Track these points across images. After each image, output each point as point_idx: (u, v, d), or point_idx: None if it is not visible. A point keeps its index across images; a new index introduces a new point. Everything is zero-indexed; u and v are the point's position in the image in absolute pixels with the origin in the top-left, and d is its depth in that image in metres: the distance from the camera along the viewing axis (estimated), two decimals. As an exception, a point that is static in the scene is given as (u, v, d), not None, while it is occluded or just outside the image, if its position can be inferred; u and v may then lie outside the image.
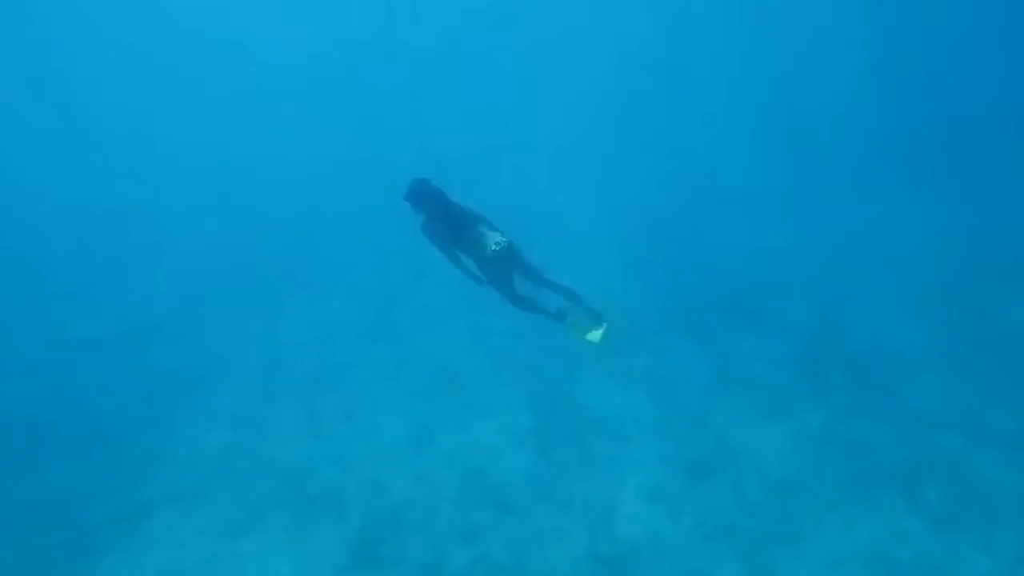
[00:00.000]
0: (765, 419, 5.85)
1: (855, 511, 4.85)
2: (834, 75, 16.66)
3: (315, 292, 8.72)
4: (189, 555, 4.72)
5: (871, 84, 15.75)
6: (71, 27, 17.49)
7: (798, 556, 4.54)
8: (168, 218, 11.45)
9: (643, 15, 19.64)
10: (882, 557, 4.47)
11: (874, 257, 8.85)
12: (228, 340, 7.54)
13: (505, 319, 5.28)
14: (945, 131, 12.91)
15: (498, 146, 14.55)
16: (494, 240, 4.26)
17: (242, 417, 6.16)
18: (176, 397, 6.51)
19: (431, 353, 7.05)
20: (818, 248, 9.35)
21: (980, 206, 9.32)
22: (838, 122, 14.56)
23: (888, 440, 5.52)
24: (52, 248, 10.24)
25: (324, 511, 5.05)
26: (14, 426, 6.11)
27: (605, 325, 4.63)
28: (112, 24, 18.00)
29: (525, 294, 4.66)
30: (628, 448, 5.57)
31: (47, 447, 5.83)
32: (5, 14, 16.09)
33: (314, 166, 13.78)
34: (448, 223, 4.32)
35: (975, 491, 4.88)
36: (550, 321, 4.78)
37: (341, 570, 4.58)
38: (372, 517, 4.96)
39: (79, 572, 4.62)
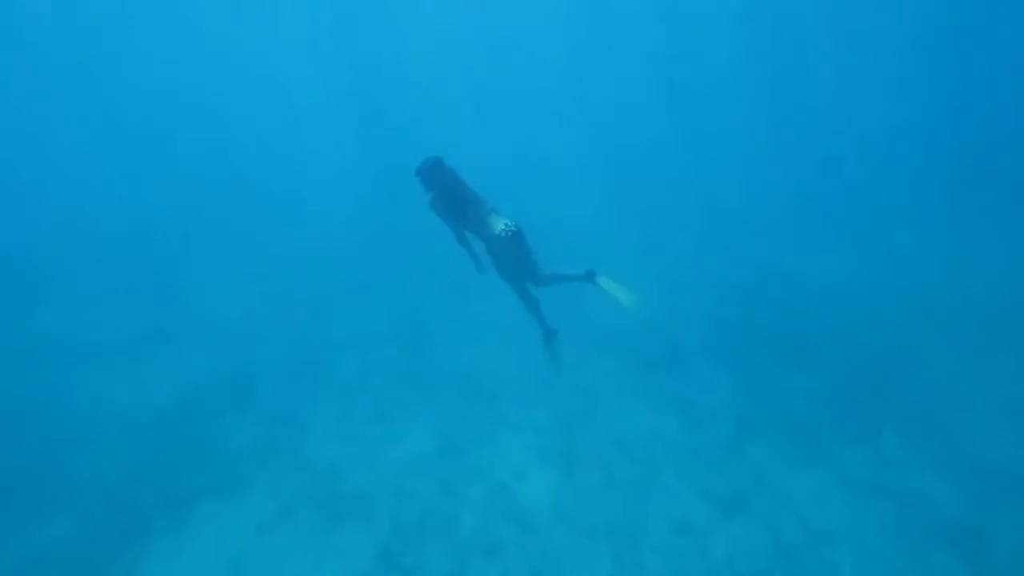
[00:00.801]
0: (807, 459, 5.57)
1: (902, 565, 4.52)
2: (898, 111, 16.11)
3: (357, 298, 8.99)
4: (223, 548, 4.84)
5: (933, 121, 15.14)
6: (159, 41, 19.01)
7: (836, 607, 4.26)
8: (218, 220, 12.07)
9: (697, 34, 19.60)
10: (931, 617, 4.15)
11: (933, 295, 8.36)
12: (273, 341, 7.86)
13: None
14: (1015, 166, 12.21)
15: (541, 162, 14.69)
16: (503, 222, 4.24)
17: (282, 414, 6.37)
18: (221, 393, 6.78)
19: (465, 364, 7.12)
20: (873, 284, 8.93)
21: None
22: (901, 156, 14.02)
23: (944, 492, 5.15)
24: (114, 250, 10.94)
25: (352, 513, 5.11)
26: (70, 416, 6.47)
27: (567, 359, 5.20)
28: (186, 34, 19.40)
29: (533, 294, 4.69)
30: (657, 475, 5.41)
31: (103, 436, 6.13)
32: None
33: (364, 177, 14.28)
34: (456, 202, 4.35)
35: (1041, 555, 4.47)
36: (539, 329, 4.95)
37: (362, 575, 4.61)
38: (397, 523, 4.98)
39: (126, 557, 4.78)
